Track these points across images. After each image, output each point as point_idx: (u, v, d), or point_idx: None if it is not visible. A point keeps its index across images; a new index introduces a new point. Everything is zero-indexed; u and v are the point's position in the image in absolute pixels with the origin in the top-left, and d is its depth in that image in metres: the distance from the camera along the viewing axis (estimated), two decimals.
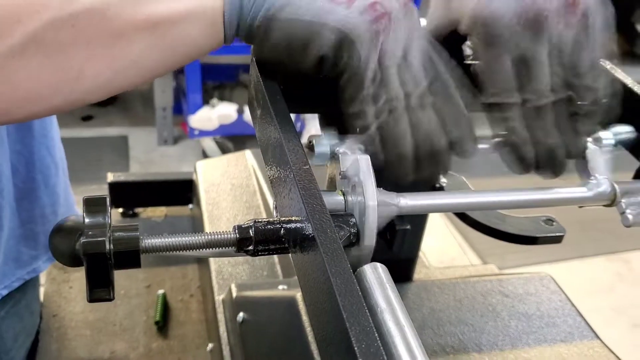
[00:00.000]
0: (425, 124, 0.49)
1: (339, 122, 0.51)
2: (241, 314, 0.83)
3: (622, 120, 0.58)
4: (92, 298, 0.41)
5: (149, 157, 3.22)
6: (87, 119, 3.41)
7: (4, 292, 0.77)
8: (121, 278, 0.40)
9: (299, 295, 0.71)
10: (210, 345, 0.95)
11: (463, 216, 0.67)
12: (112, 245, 0.40)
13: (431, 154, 0.49)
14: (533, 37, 0.50)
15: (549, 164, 0.53)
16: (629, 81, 0.60)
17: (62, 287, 1.02)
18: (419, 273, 0.86)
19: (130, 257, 0.41)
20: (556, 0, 0.50)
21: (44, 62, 0.44)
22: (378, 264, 0.39)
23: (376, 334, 0.31)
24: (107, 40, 0.46)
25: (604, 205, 0.56)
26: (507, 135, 0.52)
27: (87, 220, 0.41)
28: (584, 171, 0.56)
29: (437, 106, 0.50)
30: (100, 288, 0.41)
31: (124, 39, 0.46)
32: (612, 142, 0.57)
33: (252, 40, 0.50)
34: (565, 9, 0.50)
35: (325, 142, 0.49)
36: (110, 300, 0.41)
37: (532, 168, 0.53)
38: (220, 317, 0.89)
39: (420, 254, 0.85)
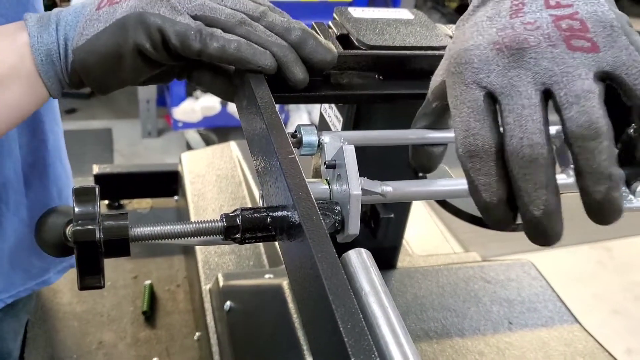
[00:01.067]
0: (278, 24, 0.52)
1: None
2: (228, 303, 0.84)
3: None
4: (83, 286, 0.42)
5: (133, 149, 3.21)
6: (70, 112, 3.39)
7: (9, 301, 0.77)
8: (108, 269, 0.41)
9: (285, 284, 0.72)
10: (197, 334, 0.96)
11: (444, 203, 0.68)
12: (102, 234, 0.41)
13: (302, 40, 0.52)
14: (509, 63, 0.41)
15: (536, 233, 0.41)
16: None
17: None
18: (402, 261, 0.87)
19: (119, 245, 0.42)
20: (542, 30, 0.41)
21: None
22: (362, 250, 0.40)
23: (361, 316, 0.32)
24: None
25: None
26: (477, 193, 0.42)
27: (77, 209, 0.41)
28: (564, 159, 0.57)
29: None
30: (90, 276, 0.42)
31: None
32: None
33: (78, 79, 0.52)
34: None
35: (313, 132, 0.50)
36: (100, 287, 0.42)
37: (511, 225, 0.43)
38: (208, 306, 0.89)
39: (404, 242, 0.86)
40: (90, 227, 0.41)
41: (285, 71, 0.52)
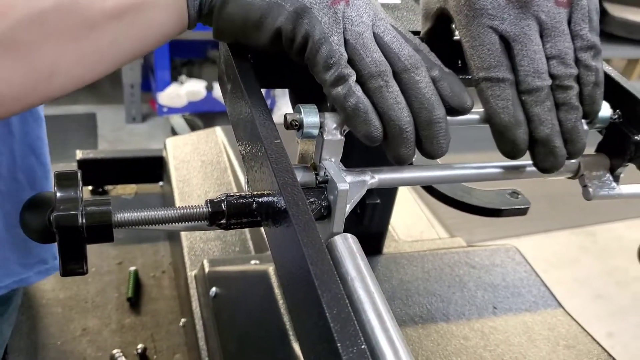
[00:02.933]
0: (422, 88, 0.45)
1: (311, 96, 0.48)
2: (214, 289, 0.84)
3: None
4: (66, 272, 0.41)
5: (117, 135, 3.18)
6: None
7: None
8: (92, 255, 0.40)
9: (271, 270, 0.71)
10: (183, 320, 0.96)
11: (430, 189, 0.68)
12: (84, 219, 0.41)
13: (430, 123, 0.45)
14: (519, 14, 0.48)
15: (546, 152, 0.49)
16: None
17: None
18: (388, 246, 0.87)
19: (102, 231, 0.42)
20: None
21: (15, 64, 0.44)
22: (349, 235, 0.40)
23: (347, 301, 0.32)
24: (78, 34, 0.45)
25: (568, 178, 0.58)
26: (497, 115, 0.48)
27: (58, 194, 0.41)
28: None
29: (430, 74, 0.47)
30: (73, 262, 0.41)
31: (95, 30, 0.46)
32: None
33: (211, 19, 0.50)
34: None
35: (314, 111, 0.46)
36: (83, 274, 0.42)
37: (523, 153, 0.49)
38: (193, 292, 0.89)
39: (390, 228, 0.86)
40: (72, 212, 0.40)
41: (387, 145, 0.46)
